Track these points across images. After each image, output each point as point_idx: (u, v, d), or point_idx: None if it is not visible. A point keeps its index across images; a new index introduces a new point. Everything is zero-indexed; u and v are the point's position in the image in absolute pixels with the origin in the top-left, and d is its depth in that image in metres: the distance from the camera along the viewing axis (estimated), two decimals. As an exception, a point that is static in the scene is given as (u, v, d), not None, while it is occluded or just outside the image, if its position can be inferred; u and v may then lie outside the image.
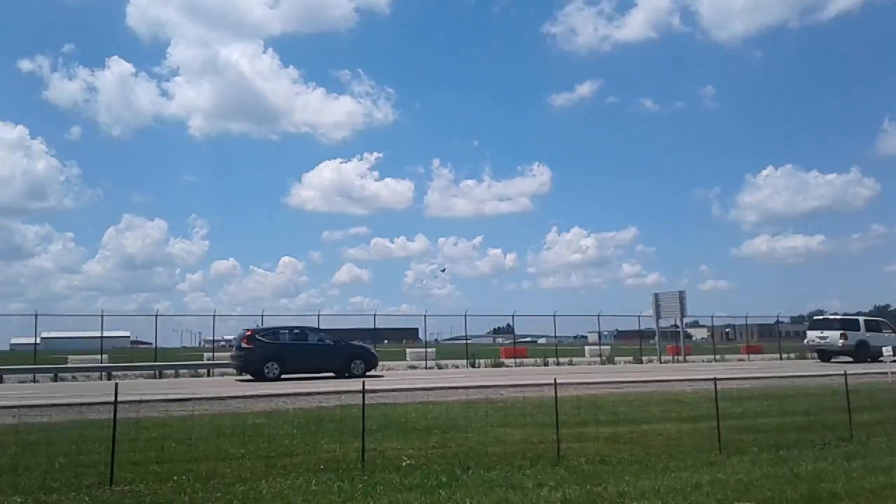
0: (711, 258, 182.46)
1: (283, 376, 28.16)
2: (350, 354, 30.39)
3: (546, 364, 43.53)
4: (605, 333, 62.29)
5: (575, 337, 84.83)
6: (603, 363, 45.24)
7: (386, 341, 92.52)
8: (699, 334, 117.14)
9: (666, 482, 9.01)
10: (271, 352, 28.57)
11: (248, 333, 29.07)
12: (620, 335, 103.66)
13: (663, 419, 15.19)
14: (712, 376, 14.10)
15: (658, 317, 50.89)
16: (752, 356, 52.17)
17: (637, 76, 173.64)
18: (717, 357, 49.80)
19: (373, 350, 32.90)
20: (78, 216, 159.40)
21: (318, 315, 47.65)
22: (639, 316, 53.86)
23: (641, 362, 46.29)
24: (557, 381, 13.11)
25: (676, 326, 54.13)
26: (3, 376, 32.59)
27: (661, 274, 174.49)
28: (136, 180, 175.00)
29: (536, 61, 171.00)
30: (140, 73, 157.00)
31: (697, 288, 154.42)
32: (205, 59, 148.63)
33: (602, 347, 51.40)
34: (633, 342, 63.59)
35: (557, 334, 53.00)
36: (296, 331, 30.77)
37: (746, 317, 60.92)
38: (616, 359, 47.92)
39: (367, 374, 29.77)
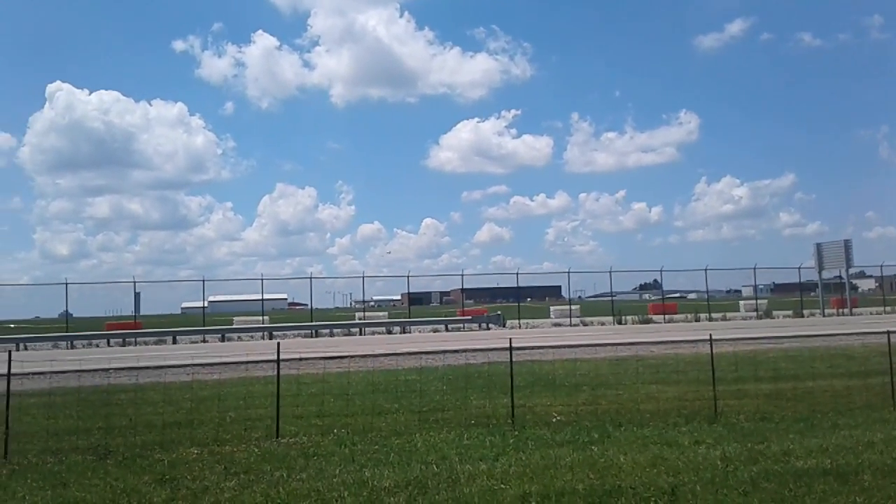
0: (879, 204, 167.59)
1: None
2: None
3: (697, 320, 42.07)
4: (760, 287, 59.36)
5: (727, 291, 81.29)
6: (759, 318, 43.18)
7: (529, 299, 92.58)
8: (866, 285, 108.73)
9: (835, 440, 8.47)
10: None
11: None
12: (777, 288, 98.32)
13: (829, 375, 14.28)
14: (885, 329, 13.04)
15: (821, 268, 47.86)
16: (928, 308, 48.02)
17: (794, 8, 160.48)
18: (888, 309, 46.20)
19: None
20: (235, 186, 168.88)
21: (462, 275, 48.51)
22: (799, 268, 50.98)
23: (802, 316, 43.78)
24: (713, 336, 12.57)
25: (840, 278, 50.70)
26: (177, 337, 35.52)
27: (822, 223, 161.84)
28: (285, 150, 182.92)
29: (680, 1, 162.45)
30: (283, 45, 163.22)
31: (863, 236, 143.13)
32: (343, 28, 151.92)
33: (758, 301, 48.92)
34: (791, 295, 60.15)
35: (709, 289, 50.92)
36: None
37: (921, 266, 55.97)
38: (774, 313, 45.57)
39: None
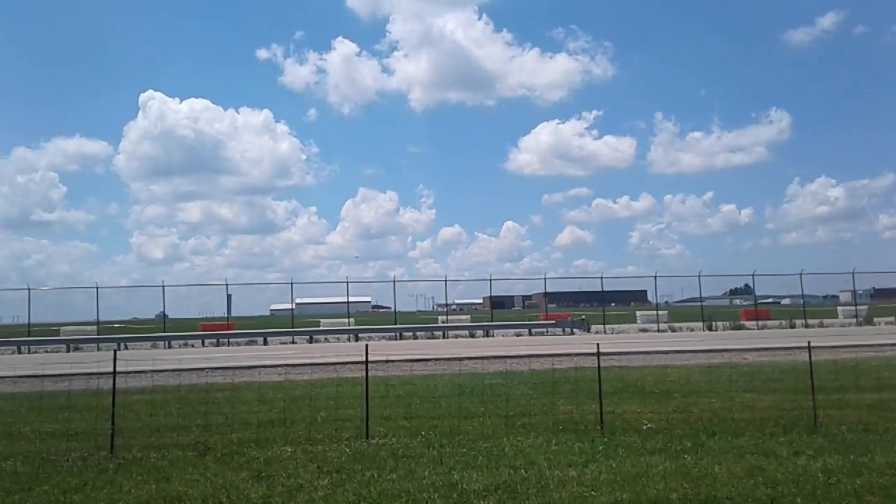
0: None
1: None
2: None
3: (793, 326, 40.45)
4: (859, 292, 56.50)
5: (824, 297, 78.03)
6: (859, 324, 41.19)
7: (613, 304, 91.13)
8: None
9: (945, 454, 8.02)
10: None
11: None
12: (878, 294, 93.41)
13: (939, 386, 13.50)
14: None
15: (926, 272, 45.26)
16: None
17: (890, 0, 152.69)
18: None
19: None
20: (319, 191, 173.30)
21: (545, 278, 48.19)
22: (902, 272, 48.25)
23: (906, 323, 41.52)
24: (811, 344, 12.08)
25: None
26: (268, 339, 36.58)
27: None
28: (366, 155, 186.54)
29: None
30: (363, 51, 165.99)
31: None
32: (421, 32, 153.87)
33: (858, 307, 46.67)
34: (893, 301, 57.15)
35: (804, 294, 48.88)
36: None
37: None
38: (875, 319, 43.35)
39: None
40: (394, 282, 45.62)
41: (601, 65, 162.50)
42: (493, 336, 37.91)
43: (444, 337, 37.46)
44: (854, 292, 52.29)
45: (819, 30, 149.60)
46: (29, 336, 37.93)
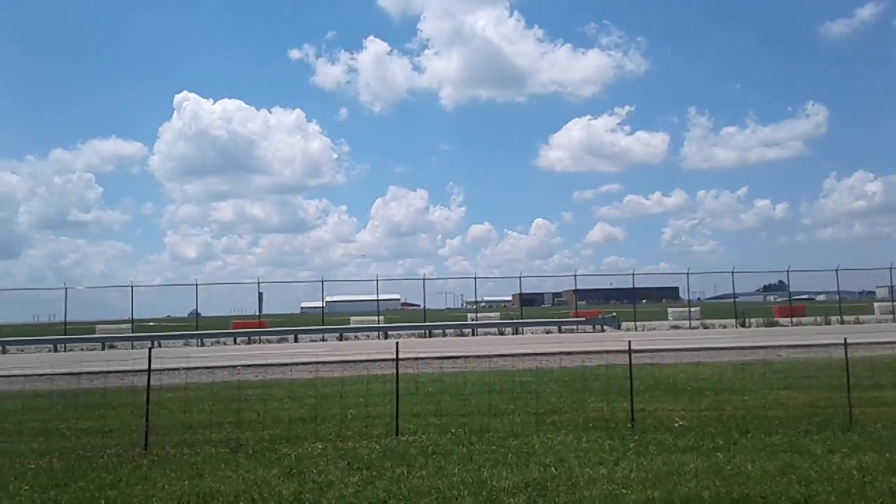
0: None
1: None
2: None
3: (828, 323, 39.80)
4: (897, 288, 55.32)
5: (860, 293, 76.46)
6: (896, 321, 40.41)
7: (644, 301, 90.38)
8: None
9: None
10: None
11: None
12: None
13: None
14: None
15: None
16: None
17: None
18: None
19: None
20: (349, 190, 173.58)
21: (575, 275, 47.91)
22: (943, 267, 47.14)
23: (948, 319, 40.65)
24: (847, 340, 11.88)
25: None
26: (298, 336, 36.89)
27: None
28: (396, 153, 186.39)
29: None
30: (393, 50, 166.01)
31: None
32: (452, 30, 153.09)
33: (895, 303, 45.74)
34: (933, 297, 55.84)
35: (840, 290, 47.99)
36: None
37: None
38: (913, 315, 42.51)
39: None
40: (423, 279, 45.70)
41: (634, 60, 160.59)
42: (522, 333, 37.80)
43: (473, 334, 37.46)
44: (891, 288, 51.16)
45: (858, 21, 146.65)
46: (65, 334, 38.60)
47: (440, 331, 38.37)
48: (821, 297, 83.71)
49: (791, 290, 54.31)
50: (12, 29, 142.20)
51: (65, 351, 34.76)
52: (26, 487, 7.45)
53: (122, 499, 7.00)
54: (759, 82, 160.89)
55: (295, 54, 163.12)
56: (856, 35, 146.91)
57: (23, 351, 35.07)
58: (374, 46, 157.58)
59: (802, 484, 6.82)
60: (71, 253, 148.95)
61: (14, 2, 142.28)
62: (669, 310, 48.35)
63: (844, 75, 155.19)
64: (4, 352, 34.72)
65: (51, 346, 36.03)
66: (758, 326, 38.45)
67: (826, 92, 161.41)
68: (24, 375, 19.88)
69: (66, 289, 41.18)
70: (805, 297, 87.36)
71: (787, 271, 47.81)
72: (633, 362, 10.82)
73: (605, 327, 39.29)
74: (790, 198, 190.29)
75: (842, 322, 39.98)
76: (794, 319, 41.26)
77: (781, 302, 50.78)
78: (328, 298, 51.78)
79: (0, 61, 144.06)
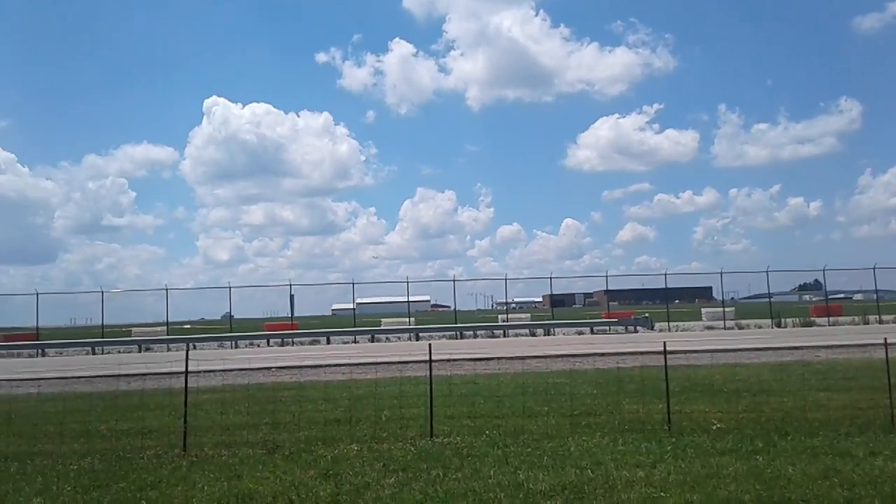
0: None
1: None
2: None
3: (866, 322, 39.06)
4: (939, 287, 54.09)
5: (900, 291, 74.94)
6: (939, 320, 39.52)
7: (677, 301, 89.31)
8: None
9: None
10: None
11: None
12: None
13: None
14: None
15: None
16: None
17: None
18: None
19: None
20: (378, 192, 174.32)
21: (606, 276, 47.60)
22: (983, 265, 46.03)
23: None
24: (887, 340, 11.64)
25: None
26: (330, 338, 37.13)
27: None
28: (424, 155, 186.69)
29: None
30: (419, 52, 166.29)
31: None
32: (477, 31, 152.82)
33: (936, 303, 44.81)
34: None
35: (878, 288, 47.08)
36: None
37: None
38: (954, 315, 41.56)
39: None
40: (453, 281, 45.87)
41: (662, 57, 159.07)
42: (553, 335, 37.64)
43: (504, 336, 37.38)
44: (932, 286, 50.16)
45: (889, 15, 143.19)
46: (102, 337, 39.30)
47: (471, 332, 38.36)
48: (858, 296, 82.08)
49: (827, 289, 53.43)
50: (46, 37, 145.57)
51: (102, 353, 35.36)
52: (69, 488, 7.59)
53: (163, 499, 7.11)
54: (790, 78, 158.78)
55: (322, 58, 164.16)
56: (888, 29, 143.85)
57: (62, 354, 35.71)
58: (400, 48, 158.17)
59: (845, 487, 6.71)
60: (106, 257, 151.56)
61: (48, 10, 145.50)
62: (703, 310, 47.72)
63: (877, 70, 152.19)
64: (44, 355, 35.43)
65: (89, 348, 36.68)
66: (794, 326, 37.85)
67: (859, 87, 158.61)
68: (64, 378, 20.26)
69: (102, 292, 41.92)
70: (842, 296, 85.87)
71: (823, 270, 46.99)
72: (667, 363, 10.72)
73: (637, 328, 38.95)
74: (824, 195, 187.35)
75: (880, 321, 39.21)
76: (832, 319, 40.59)
77: (818, 301, 49.93)
78: (358, 300, 52.03)
79: (34, 69, 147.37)
